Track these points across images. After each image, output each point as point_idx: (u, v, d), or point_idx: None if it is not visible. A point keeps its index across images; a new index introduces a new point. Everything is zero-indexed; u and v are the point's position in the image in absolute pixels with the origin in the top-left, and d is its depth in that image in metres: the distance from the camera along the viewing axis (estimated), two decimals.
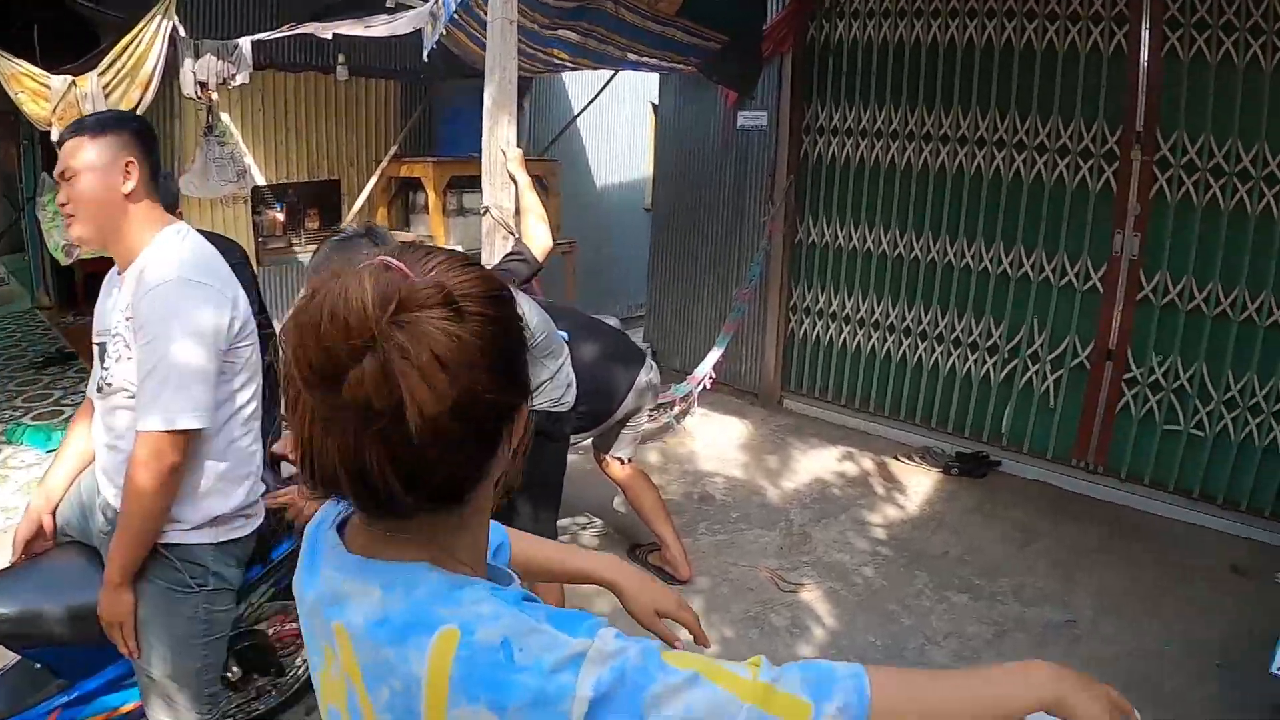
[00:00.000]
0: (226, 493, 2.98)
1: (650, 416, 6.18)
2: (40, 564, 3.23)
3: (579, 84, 10.70)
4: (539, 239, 4.76)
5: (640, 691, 1.15)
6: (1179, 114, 6.46)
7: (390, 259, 1.19)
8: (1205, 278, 6.45)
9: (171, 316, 2.75)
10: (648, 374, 5.20)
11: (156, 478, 2.72)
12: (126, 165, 2.86)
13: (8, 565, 3.29)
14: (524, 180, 4.98)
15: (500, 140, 5.21)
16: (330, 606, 1.30)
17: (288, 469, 3.74)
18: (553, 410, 4.16)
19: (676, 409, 7.35)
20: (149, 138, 2.96)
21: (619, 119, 11.44)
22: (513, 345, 1.25)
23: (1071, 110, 6.90)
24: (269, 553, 3.47)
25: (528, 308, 3.97)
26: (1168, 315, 6.62)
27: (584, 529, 6.20)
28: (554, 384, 4.16)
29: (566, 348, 4.37)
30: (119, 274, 2.98)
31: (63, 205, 2.87)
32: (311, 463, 1.19)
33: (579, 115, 10.46)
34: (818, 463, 7.40)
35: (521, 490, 3.93)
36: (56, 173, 2.85)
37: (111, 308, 2.97)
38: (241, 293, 2.96)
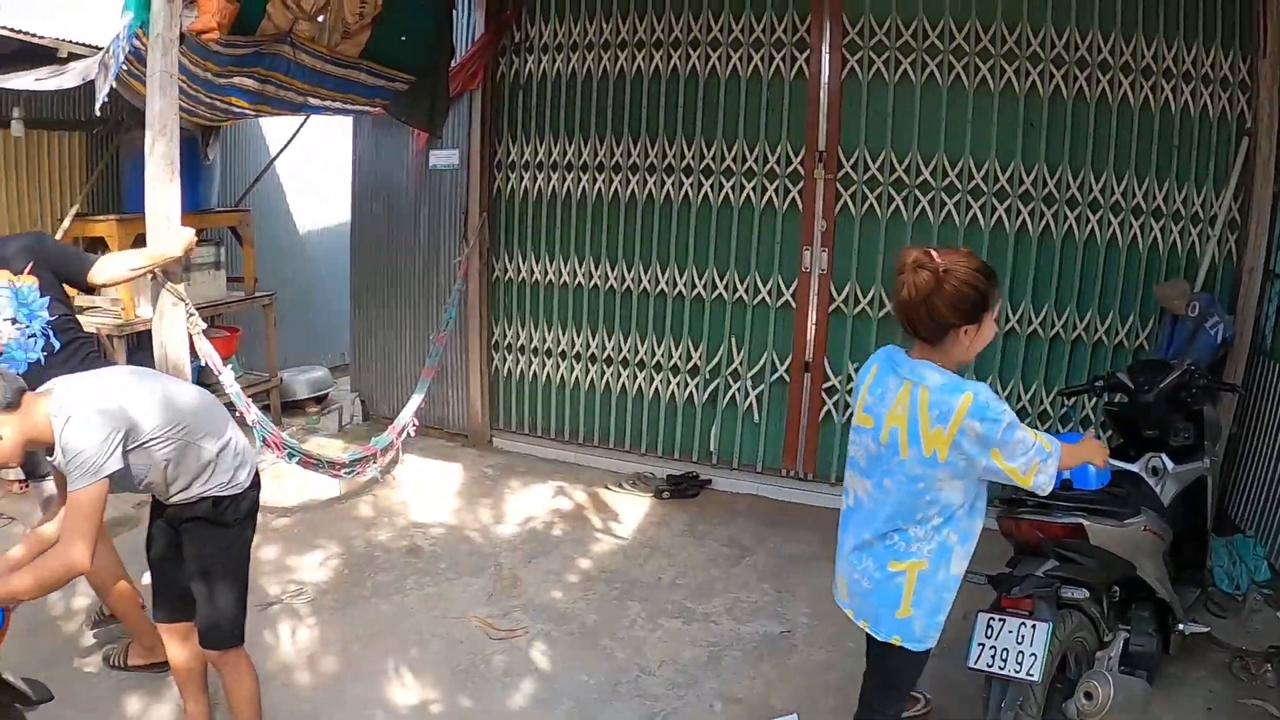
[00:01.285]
0: None
1: None
2: None
3: (276, 128, 10.19)
4: (111, 267, 4.83)
5: (1015, 424, 3.01)
6: (860, 132, 6.70)
7: (932, 250, 3.05)
8: (893, 285, 6.54)
9: None
10: None
11: None
12: None
13: None
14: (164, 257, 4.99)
15: (167, 201, 4.94)
16: (918, 380, 3.10)
17: None
18: (222, 495, 3.77)
19: (378, 461, 6.98)
20: None
21: (321, 162, 10.98)
22: (957, 299, 3.00)
23: (756, 134, 7.02)
24: None
25: (156, 397, 3.60)
26: (860, 324, 6.84)
27: (295, 596, 5.75)
28: (218, 467, 3.74)
29: (231, 423, 3.97)
30: None
31: None
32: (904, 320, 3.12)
33: (273, 161, 10.01)
34: (529, 501, 7.19)
35: (199, 577, 3.82)
36: None
37: None
38: None
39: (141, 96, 5.95)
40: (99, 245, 7.92)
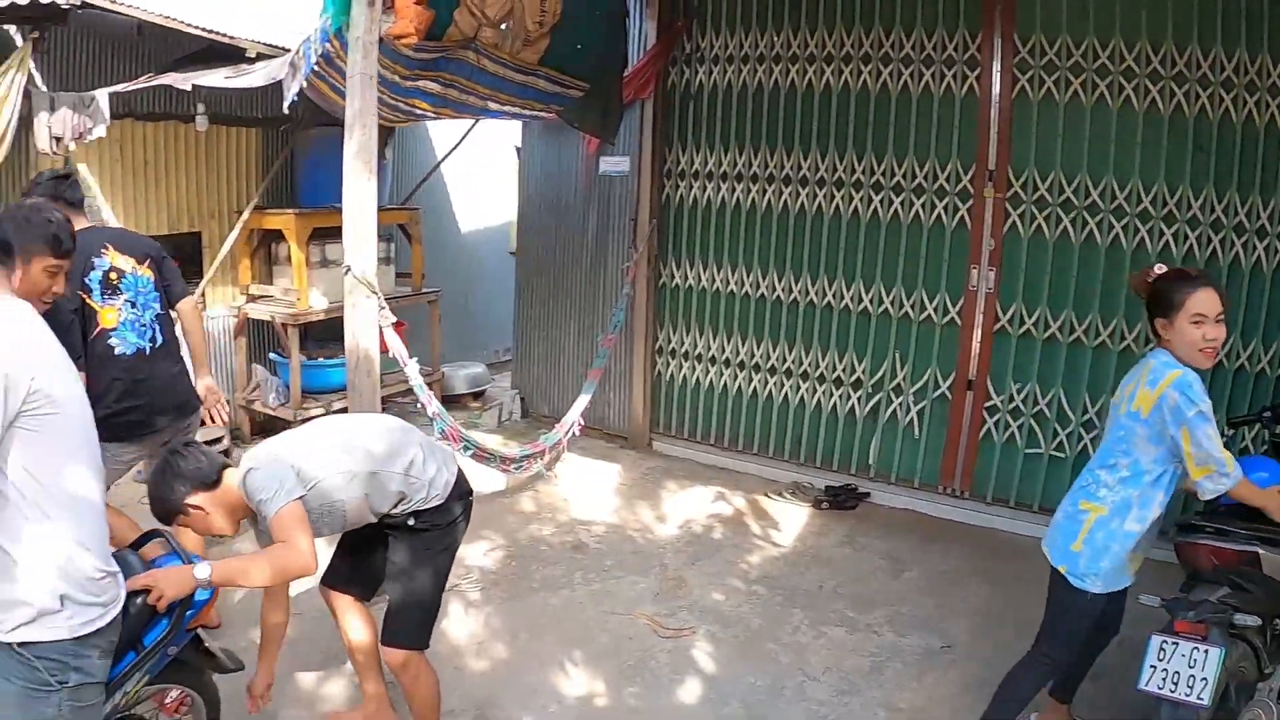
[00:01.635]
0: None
1: None
2: None
3: (442, 129, 10.62)
4: (190, 317, 5.19)
5: (1208, 418, 3.61)
6: (1029, 152, 6.68)
7: (1162, 265, 3.92)
8: (1059, 307, 6.68)
9: None
10: None
11: None
12: None
13: None
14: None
15: (363, 195, 5.19)
16: (1153, 357, 3.80)
17: (153, 551, 3.57)
18: (422, 509, 3.90)
19: (546, 457, 7.24)
20: None
21: (483, 164, 11.34)
22: (1149, 298, 3.84)
23: (926, 150, 7.06)
24: (141, 639, 3.29)
25: (337, 437, 3.91)
26: (1024, 344, 6.83)
27: (464, 579, 6.02)
28: (412, 486, 3.86)
29: (414, 437, 4.06)
30: None
31: None
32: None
33: (442, 162, 10.38)
34: (690, 504, 7.37)
35: (392, 577, 3.97)
36: None
37: None
38: (16, 367, 2.73)
39: (326, 98, 6.28)
40: (276, 237, 8.39)
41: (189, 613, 3.40)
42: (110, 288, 4.74)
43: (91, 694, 2.93)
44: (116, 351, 4.76)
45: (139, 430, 4.85)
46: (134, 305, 4.83)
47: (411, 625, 4.00)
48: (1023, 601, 5.62)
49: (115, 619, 2.98)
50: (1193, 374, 3.67)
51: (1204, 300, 3.69)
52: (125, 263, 4.80)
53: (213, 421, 5.22)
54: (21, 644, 2.75)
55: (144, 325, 4.87)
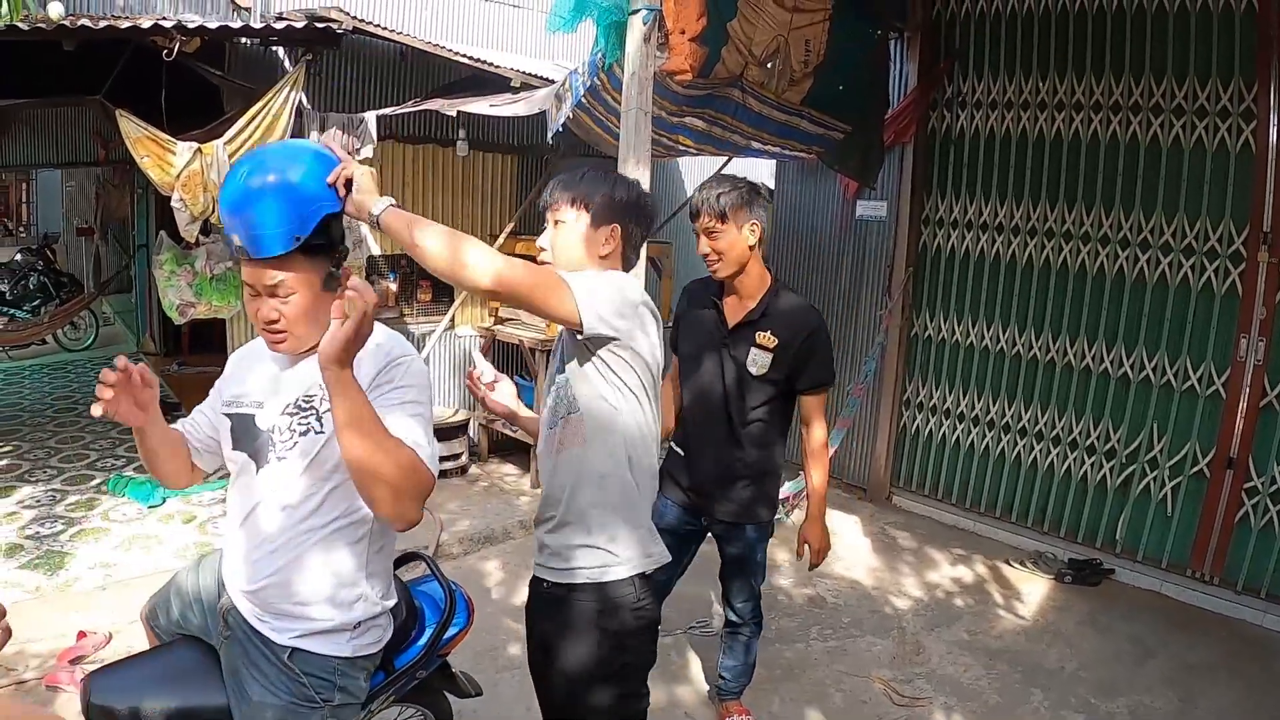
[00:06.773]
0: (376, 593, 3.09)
1: None
2: (158, 657, 3.31)
3: (692, 164, 11.06)
4: None
5: None
6: None
7: None
8: None
9: (426, 386, 2.97)
10: None
11: None
12: None
13: (123, 657, 3.36)
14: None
15: None
16: None
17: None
18: None
19: (788, 504, 7.46)
20: None
21: None
22: None
23: (1197, 209, 6.97)
24: (393, 661, 3.42)
25: None
26: None
27: (696, 628, 6.38)
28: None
29: None
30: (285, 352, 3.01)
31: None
32: None
33: (693, 196, 10.67)
34: (928, 565, 7.56)
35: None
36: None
37: (280, 382, 3.01)
38: None
39: (587, 129, 6.71)
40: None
41: (445, 637, 3.62)
42: None
43: (350, 714, 3.05)
44: None
45: None
46: None
47: None
48: (1271, 705, 5.69)
49: (384, 643, 3.19)
50: None
51: None
52: None
53: None
54: (294, 653, 2.94)
55: None
